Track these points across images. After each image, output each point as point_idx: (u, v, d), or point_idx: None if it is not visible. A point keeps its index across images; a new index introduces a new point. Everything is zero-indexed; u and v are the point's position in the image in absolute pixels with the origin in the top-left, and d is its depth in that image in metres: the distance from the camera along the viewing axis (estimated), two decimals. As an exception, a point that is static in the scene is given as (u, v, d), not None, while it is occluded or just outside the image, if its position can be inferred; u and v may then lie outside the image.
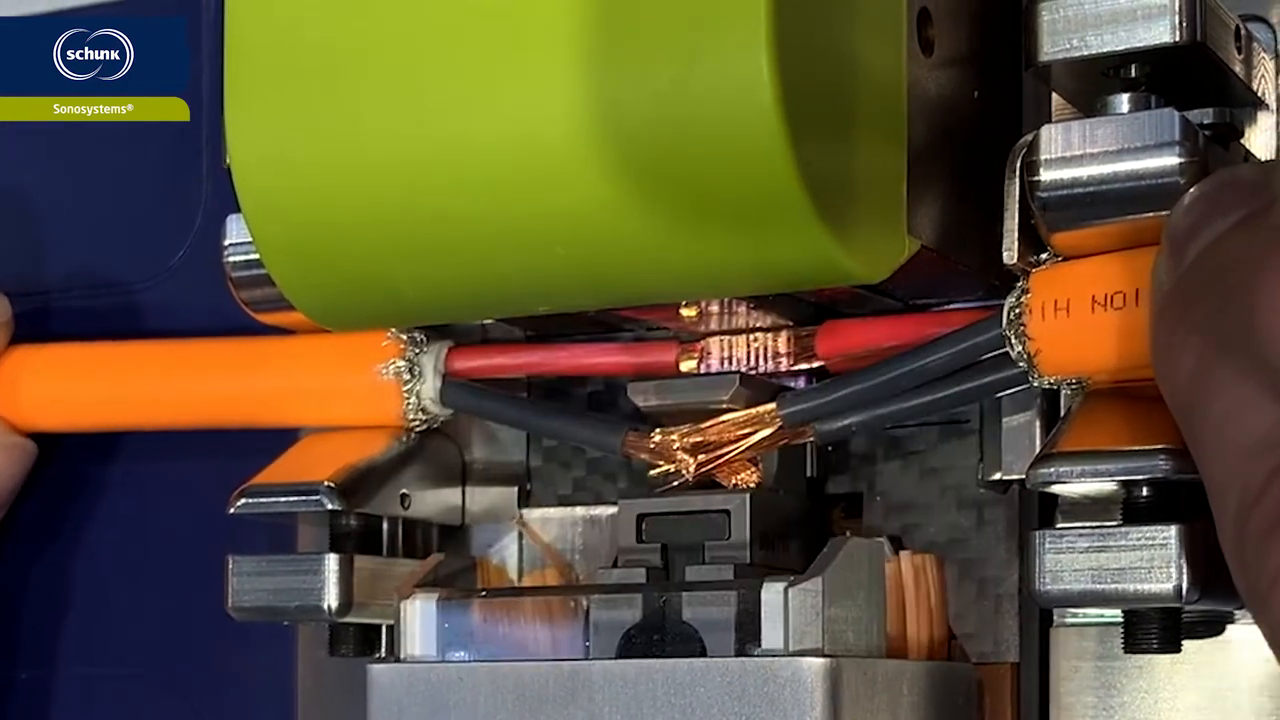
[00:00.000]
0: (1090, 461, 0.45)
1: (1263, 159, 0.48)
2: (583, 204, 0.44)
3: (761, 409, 0.50)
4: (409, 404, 0.54)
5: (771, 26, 0.41)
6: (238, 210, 0.47)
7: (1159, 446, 0.44)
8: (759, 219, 0.43)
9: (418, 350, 0.54)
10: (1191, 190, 0.42)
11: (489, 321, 0.55)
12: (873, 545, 0.48)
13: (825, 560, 0.46)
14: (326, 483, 0.54)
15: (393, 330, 0.54)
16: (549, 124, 0.43)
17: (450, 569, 0.55)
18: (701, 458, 0.50)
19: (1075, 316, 0.45)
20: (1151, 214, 0.43)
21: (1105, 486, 0.45)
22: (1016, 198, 0.45)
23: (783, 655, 0.45)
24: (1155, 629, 0.45)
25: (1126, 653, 0.46)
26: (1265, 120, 0.48)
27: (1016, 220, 0.45)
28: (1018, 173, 0.45)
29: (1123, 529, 0.44)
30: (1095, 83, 0.45)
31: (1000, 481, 0.51)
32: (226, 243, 0.55)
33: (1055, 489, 0.46)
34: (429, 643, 0.50)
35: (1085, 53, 0.44)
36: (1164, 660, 0.48)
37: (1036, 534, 0.45)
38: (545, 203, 0.44)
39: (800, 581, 0.46)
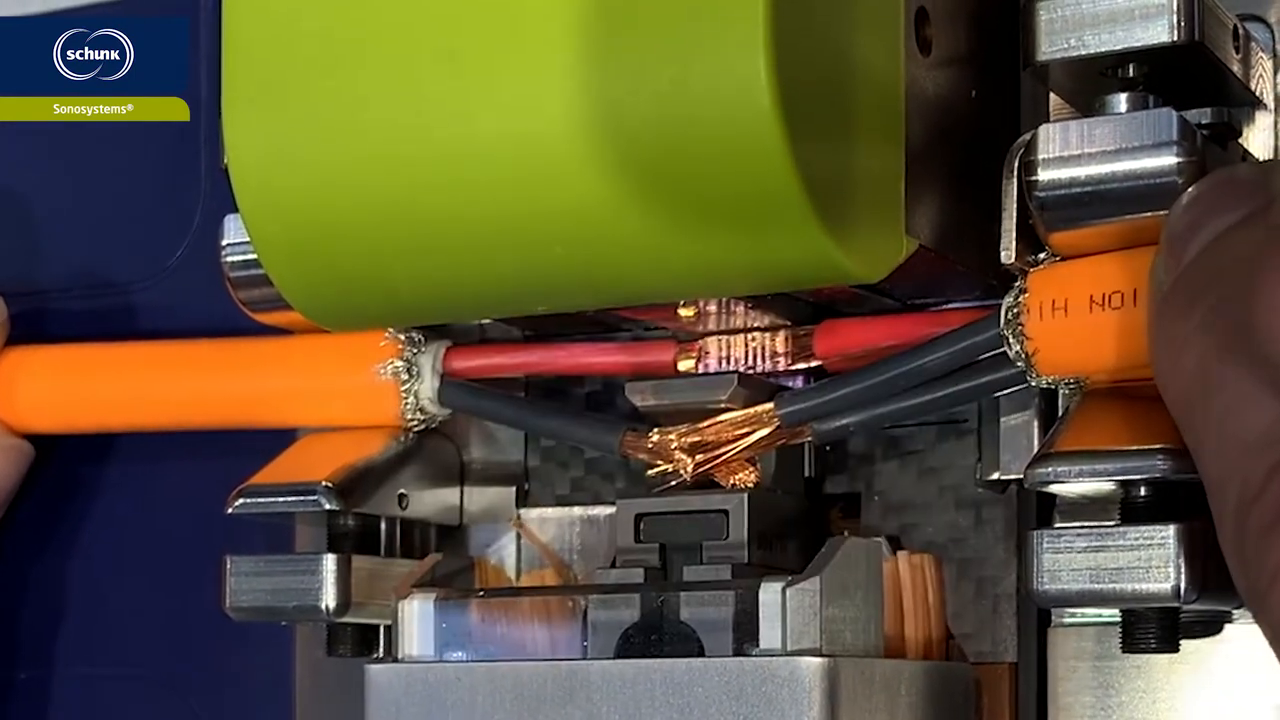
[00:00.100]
0: (1088, 461, 0.45)
1: (1261, 158, 0.48)
2: (581, 204, 0.44)
3: (759, 409, 0.50)
4: (407, 404, 0.54)
5: (769, 26, 0.41)
6: (236, 210, 0.47)
7: (1157, 446, 0.44)
8: (757, 218, 0.43)
9: (416, 350, 0.54)
10: (1190, 190, 0.42)
11: (487, 321, 0.55)
12: (871, 545, 0.48)
13: (823, 560, 0.46)
14: (324, 483, 0.54)
15: (391, 330, 0.54)
16: (547, 123, 0.43)
17: (448, 569, 0.55)
18: (699, 457, 0.50)
19: (1073, 316, 0.45)
20: (1149, 213, 0.43)
21: (1103, 486, 0.45)
22: (1014, 197, 0.45)
23: (780, 655, 0.45)
24: (1153, 629, 0.45)
25: (1124, 652, 0.46)
26: (1263, 120, 0.48)
27: (1014, 220, 0.45)
28: (1016, 172, 0.45)
29: (1121, 529, 0.44)
30: (1093, 82, 0.45)
31: (998, 481, 0.51)
32: (224, 243, 0.55)
33: (1053, 489, 0.46)
34: (427, 643, 0.50)
35: (1083, 52, 0.44)
36: (1162, 660, 0.48)
37: (1034, 534, 0.45)
38: (543, 202, 0.44)
39: (798, 581, 0.46)
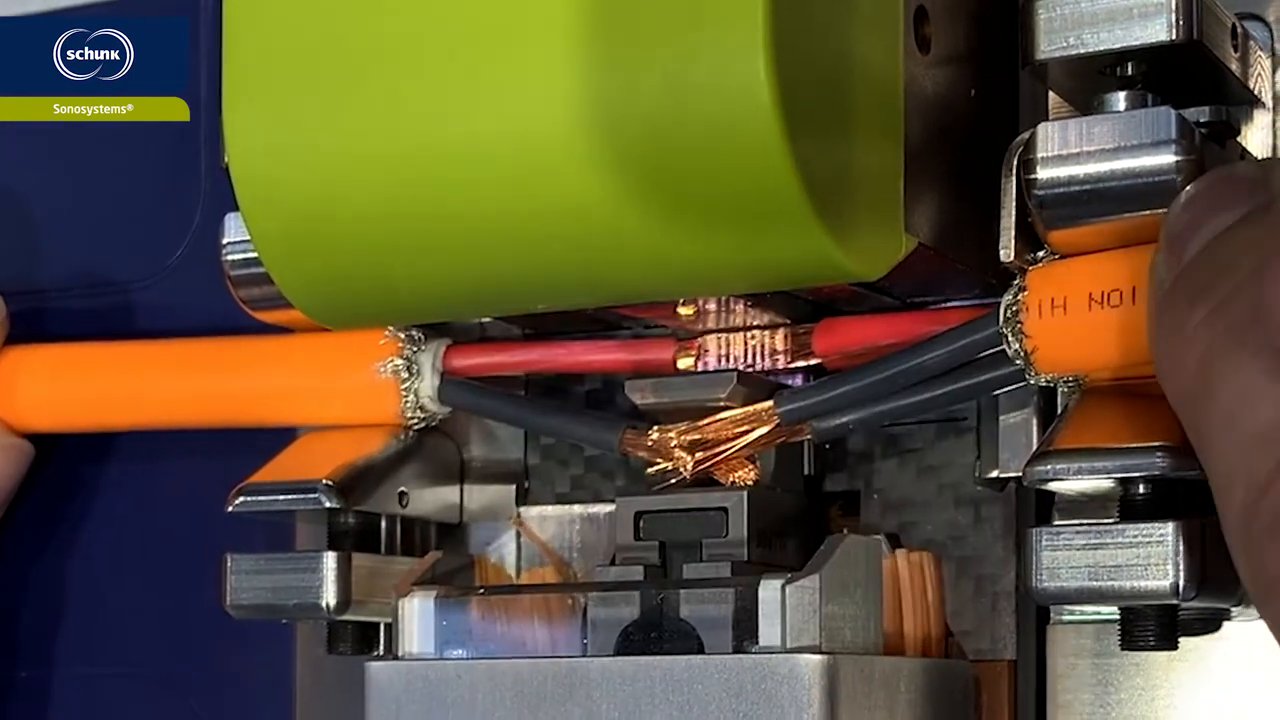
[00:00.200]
0: (1087, 459, 0.45)
1: (1259, 157, 0.48)
2: (580, 201, 0.44)
3: (759, 407, 0.50)
4: (407, 402, 0.54)
5: (769, 25, 0.41)
6: (236, 209, 0.47)
7: (1156, 444, 0.44)
8: (756, 216, 0.43)
9: (416, 348, 0.54)
10: (1189, 188, 0.42)
11: (487, 319, 0.56)
12: (870, 543, 0.48)
13: (822, 558, 0.46)
14: (325, 481, 0.54)
15: (391, 328, 0.54)
16: (547, 121, 0.43)
17: (448, 567, 0.55)
18: (699, 455, 0.51)
19: (1072, 314, 0.45)
20: (1148, 212, 0.43)
21: (1102, 484, 0.45)
22: (1013, 196, 0.45)
23: (780, 652, 0.46)
24: (1152, 626, 0.45)
25: (1123, 650, 0.46)
26: (1261, 118, 0.48)
27: (1013, 218, 0.46)
28: (1014, 171, 0.45)
29: (1119, 526, 0.44)
30: (1092, 81, 0.45)
31: (997, 479, 0.51)
32: (225, 241, 0.55)
33: (1052, 486, 0.46)
34: (427, 640, 0.50)
35: (1082, 51, 0.44)
36: (1161, 657, 0.48)
37: (1033, 531, 0.45)
38: (543, 200, 0.44)
39: (797, 579, 0.46)
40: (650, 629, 0.48)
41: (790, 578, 0.46)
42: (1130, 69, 0.45)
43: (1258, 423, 0.37)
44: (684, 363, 0.52)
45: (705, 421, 0.50)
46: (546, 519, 0.57)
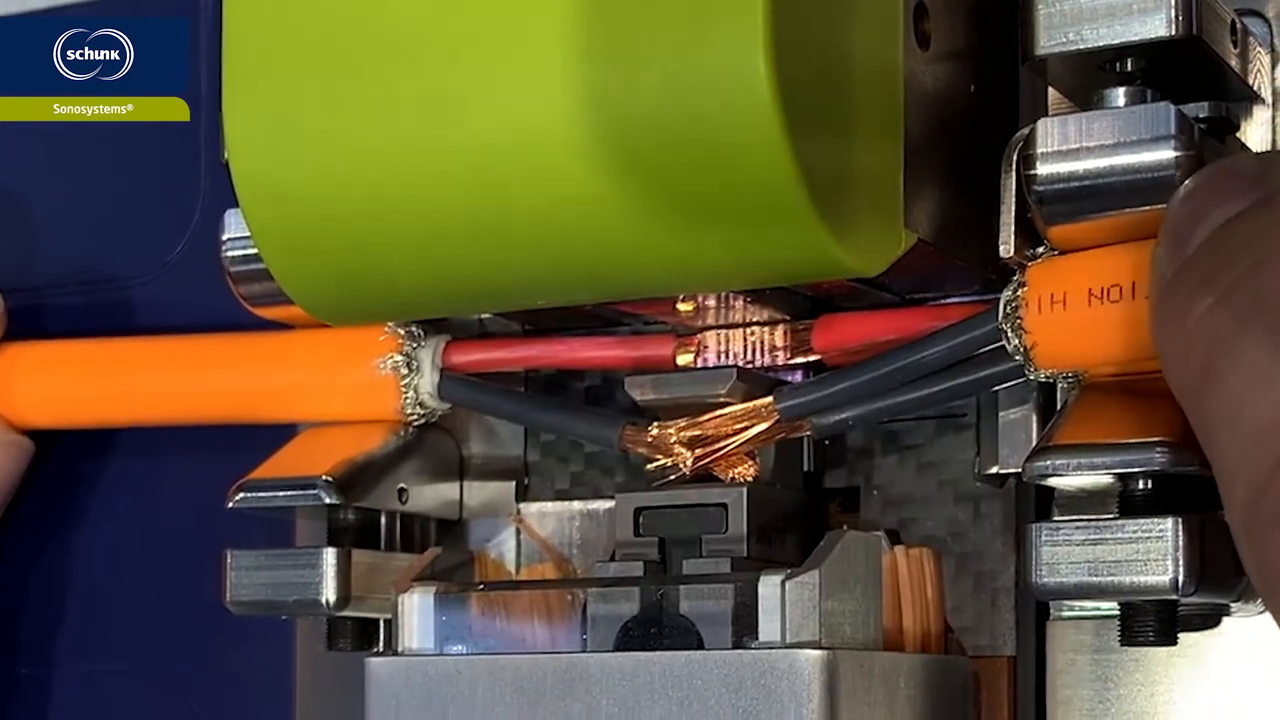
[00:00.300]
0: (1087, 454, 0.45)
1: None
2: (580, 198, 0.44)
3: (758, 403, 0.50)
4: (406, 398, 0.54)
5: (769, 22, 0.41)
6: (236, 205, 0.47)
7: (1155, 439, 0.44)
8: (756, 213, 0.43)
9: (415, 344, 0.54)
10: (1188, 181, 0.42)
11: (486, 315, 0.56)
12: (870, 539, 0.48)
13: (822, 553, 0.46)
14: (324, 477, 0.54)
15: (390, 324, 0.54)
16: (547, 118, 0.43)
17: (448, 563, 0.55)
18: (699, 451, 0.51)
19: (1072, 310, 0.45)
20: (1148, 207, 0.43)
21: (1101, 479, 0.45)
22: (1013, 191, 0.45)
23: (779, 648, 0.46)
24: (1152, 621, 0.45)
25: (1123, 645, 0.46)
26: (1261, 114, 0.48)
27: (1013, 214, 0.46)
28: (1014, 166, 0.45)
29: (1119, 521, 0.44)
30: (1091, 76, 0.45)
31: (997, 475, 0.51)
32: (224, 237, 0.55)
33: (1052, 482, 0.46)
34: (427, 636, 0.50)
35: (1081, 46, 0.44)
36: (1161, 653, 0.48)
37: (1033, 527, 0.45)
38: (542, 196, 0.44)
39: (797, 574, 0.46)
40: (650, 625, 0.48)
41: (790, 573, 0.46)
42: (1130, 64, 0.45)
43: (1263, 414, 0.37)
44: (683, 359, 0.52)
45: (705, 417, 0.51)
46: (546, 515, 0.57)
